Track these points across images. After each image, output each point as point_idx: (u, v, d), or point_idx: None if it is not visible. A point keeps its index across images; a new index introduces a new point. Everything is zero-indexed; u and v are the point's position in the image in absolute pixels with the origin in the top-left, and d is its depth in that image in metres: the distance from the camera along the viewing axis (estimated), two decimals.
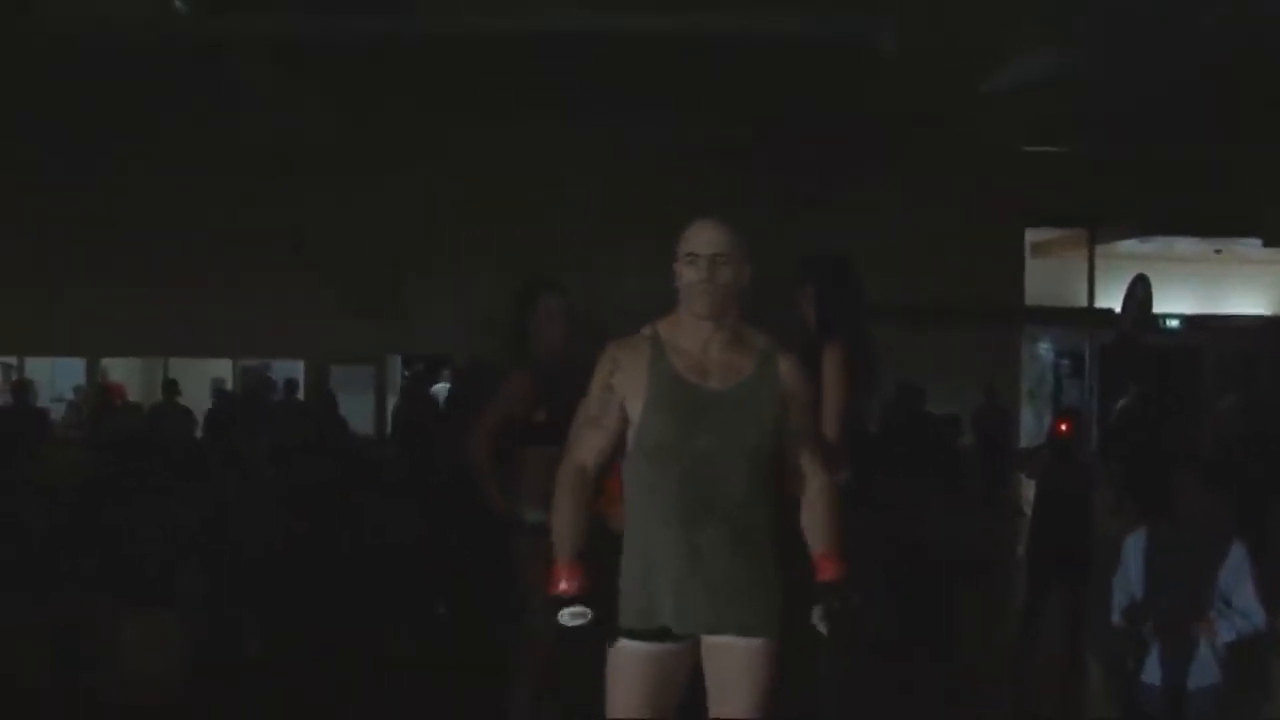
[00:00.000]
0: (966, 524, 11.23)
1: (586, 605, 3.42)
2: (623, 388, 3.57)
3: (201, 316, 16.13)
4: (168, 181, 15.60)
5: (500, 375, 5.48)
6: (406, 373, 17.74)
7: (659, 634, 3.48)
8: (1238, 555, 4.60)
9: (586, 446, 3.58)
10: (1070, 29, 10.45)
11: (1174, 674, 4.58)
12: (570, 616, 3.40)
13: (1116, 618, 4.79)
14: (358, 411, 15.61)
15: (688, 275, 3.56)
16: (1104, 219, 16.83)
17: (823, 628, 3.53)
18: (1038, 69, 11.25)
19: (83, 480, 9.62)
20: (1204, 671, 4.57)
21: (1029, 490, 8.89)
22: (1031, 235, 17.75)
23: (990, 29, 10.17)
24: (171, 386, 13.88)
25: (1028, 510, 8.66)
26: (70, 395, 17.43)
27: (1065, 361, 18.77)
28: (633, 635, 3.49)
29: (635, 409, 3.55)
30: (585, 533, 3.52)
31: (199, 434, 12.71)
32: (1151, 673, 4.66)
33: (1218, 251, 17.81)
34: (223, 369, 17.26)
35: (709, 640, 3.52)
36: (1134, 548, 4.82)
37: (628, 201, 14.67)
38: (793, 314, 5.21)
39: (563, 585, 3.44)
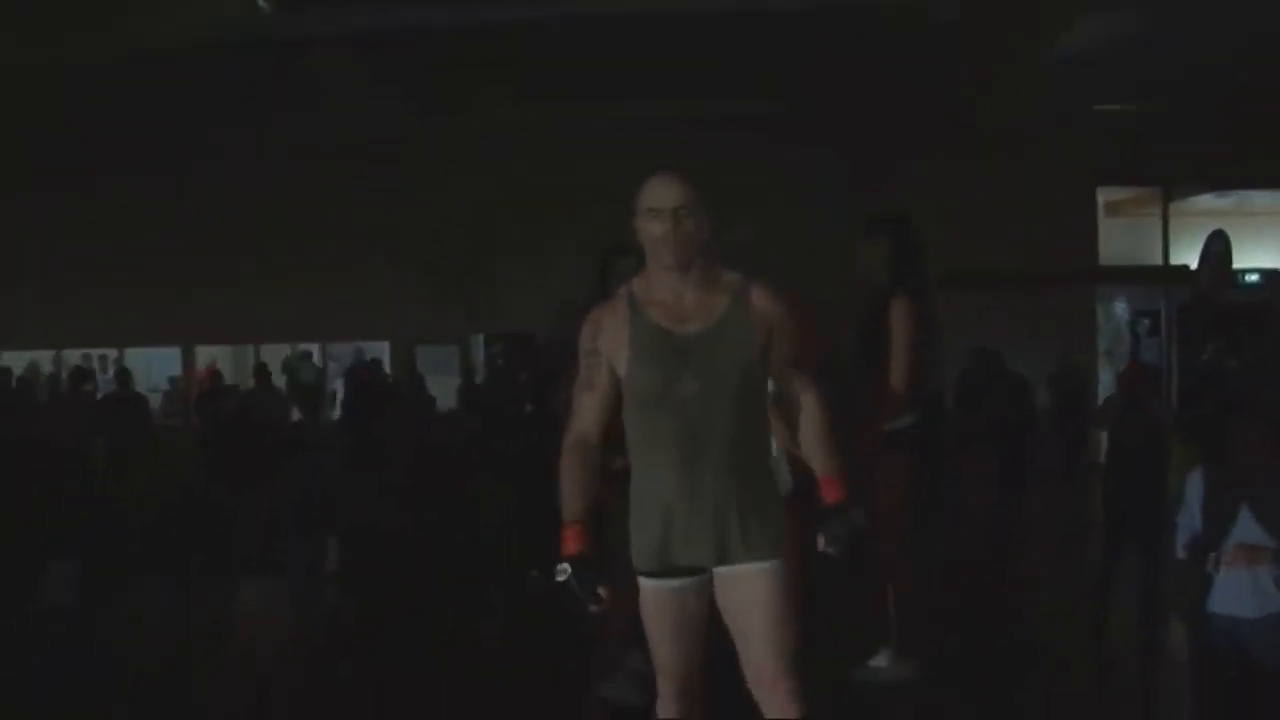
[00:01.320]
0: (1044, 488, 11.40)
1: (591, 564, 3.54)
2: (607, 348, 3.69)
3: (288, 303, 16.68)
4: (257, 177, 16.07)
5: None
6: (489, 351, 18.08)
7: (672, 571, 3.64)
8: None
9: (584, 413, 3.72)
10: None
11: (1238, 605, 4.79)
12: (558, 573, 3.55)
13: (1180, 552, 5.01)
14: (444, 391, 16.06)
15: (652, 229, 3.65)
16: (1178, 176, 16.75)
17: (831, 551, 3.66)
18: (1103, 28, 11.31)
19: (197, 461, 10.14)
20: (1267, 602, 4.77)
21: None
22: (1105, 195, 17.71)
23: None
24: (263, 370, 14.34)
25: None
26: (165, 386, 18.03)
27: (1146, 321, 18.69)
28: (649, 575, 3.66)
29: (622, 364, 3.67)
30: (591, 497, 3.65)
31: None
32: (1216, 603, 4.86)
33: None
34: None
35: (719, 572, 3.64)
36: (1194, 485, 5.04)
37: (705, 178, 14.87)
38: None
39: (569, 547, 3.56)
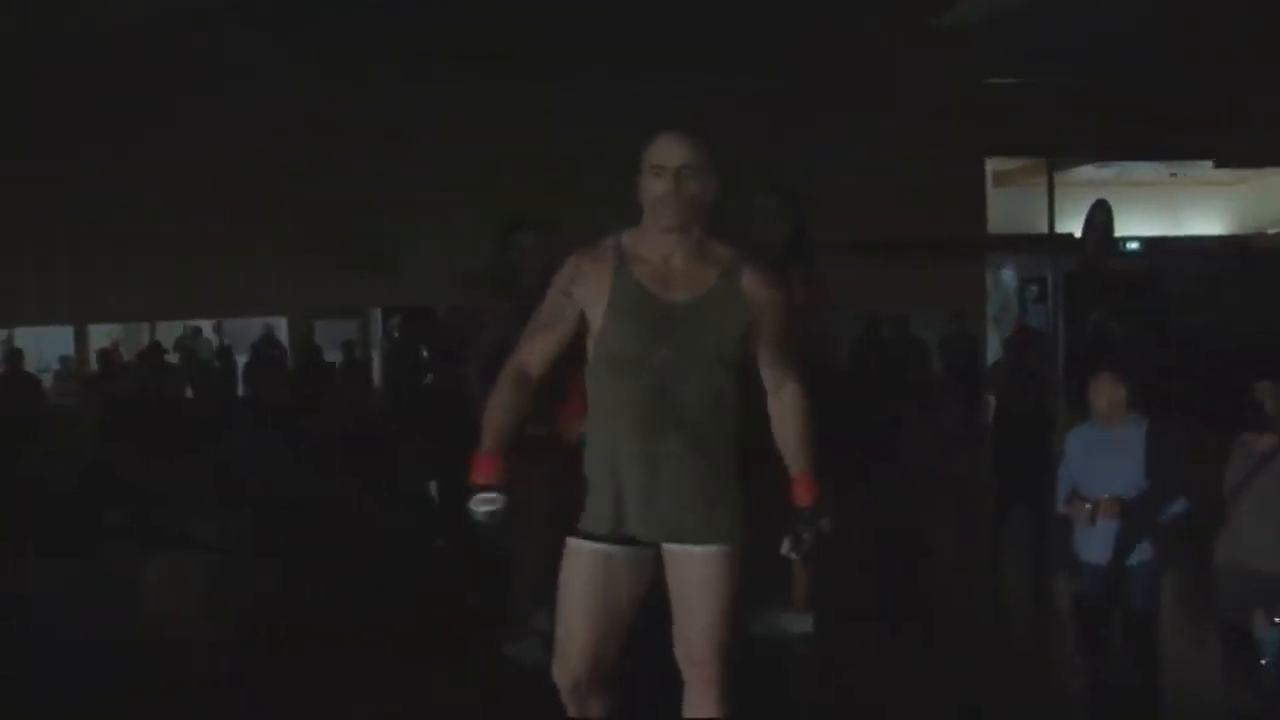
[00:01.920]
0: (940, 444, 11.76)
1: (503, 498, 3.46)
2: (583, 296, 3.56)
3: (186, 279, 16.48)
4: (154, 147, 15.82)
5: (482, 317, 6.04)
6: (387, 324, 18.07)
7: (614, 539, 3.53)
8: (1165, 443, 5.09)
9: (532, 350, 3.61)
10: None
11: (1116, 553, 5.08)
12: (481, 502, 3.46)
13: (1061, 505, 5.29)
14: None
15: (653, 187, 3.52)
16: (1061, 147, 17.24)
17: (793, 555, 3.57)
18: (990, 4, 11.63)
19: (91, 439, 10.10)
20: (1142, 549, 5.06)
21: None
22: (993, 165, 18.16)
23: None
24: (157, 348, 14.23)
25: None
26: (56, 366, 17.73)
27: (1034, 288, 19.21)
28: (588, 536, 3.54)
29: (596, 318, 3.55)
30: (513, 431, 3.56)
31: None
32: (1096, 552, 5.15)
33: (1173, 175, 18.30)
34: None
35: (669, 549, 3.55)
36: (1073, 442, 5.33)
37: (599, 152, 15.03)
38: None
39: (480, 477, 3.49)
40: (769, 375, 3.63)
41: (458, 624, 6.72)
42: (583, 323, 3.58)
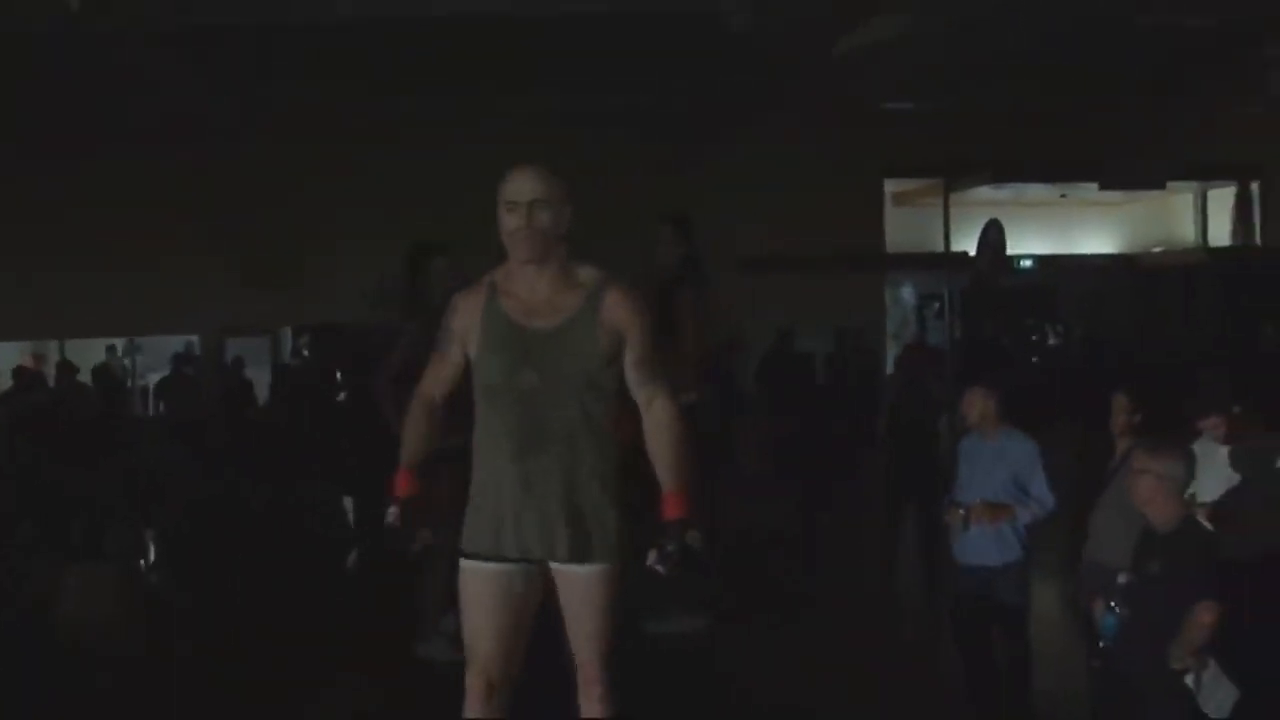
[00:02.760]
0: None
1: (408, 508, 3.73)
2: (461, 330, 3.76)
3: (96, 296, 16.47)
4: (64, 164, 15.86)
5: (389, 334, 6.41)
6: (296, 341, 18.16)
7: (499, 557, 3.68)
8: (1031, 453, 5.50)
9: (431, 378, 3.85)
10: None
11: (984, 555, 5.47)
12: (388, 515, 3.74)
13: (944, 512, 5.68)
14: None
15: (508, 222, 3.66)
16: (957, 169, 17.83)
17: (660, 569, 3.62)
18: (885, 31, 12.09)
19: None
20: (1007, 551, 5.46)
21: None
22: (891, 185, 18.73)
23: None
24: (67, 366, 14.29)
25: None
26: None
27: (936, 304, 19.75)
28: (476, 557, 3.70)
29: (472, 351, 3.74)
30: (426, 450, 3.79)
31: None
32: (968, 554, 5.54)
33: (1063, 195, 18.97)
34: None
35: (553, 567, 3.69)
36: (958, 451, 5.74)
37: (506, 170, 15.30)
38: None
39: (400, 489, 3.75)
40: (638, 394, 3.72)
41: (369, 628, 6.96)
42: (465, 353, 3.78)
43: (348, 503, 9.40)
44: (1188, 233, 20.05)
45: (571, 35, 11.91)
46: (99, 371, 16.37)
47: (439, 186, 15.37)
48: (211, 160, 16.01)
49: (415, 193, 15.62)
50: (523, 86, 14.08)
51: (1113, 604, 4.25)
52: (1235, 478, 5.13)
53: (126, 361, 17.64)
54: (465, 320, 3.75)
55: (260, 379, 16.31)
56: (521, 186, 3.66)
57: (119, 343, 17.82)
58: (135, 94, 13.53)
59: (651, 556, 3.61)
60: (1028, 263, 18.69)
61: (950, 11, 11.84)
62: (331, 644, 6.79)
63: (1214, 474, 5.10)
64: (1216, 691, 4.01)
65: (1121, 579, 4.29)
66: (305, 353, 17.74)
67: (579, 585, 3.68)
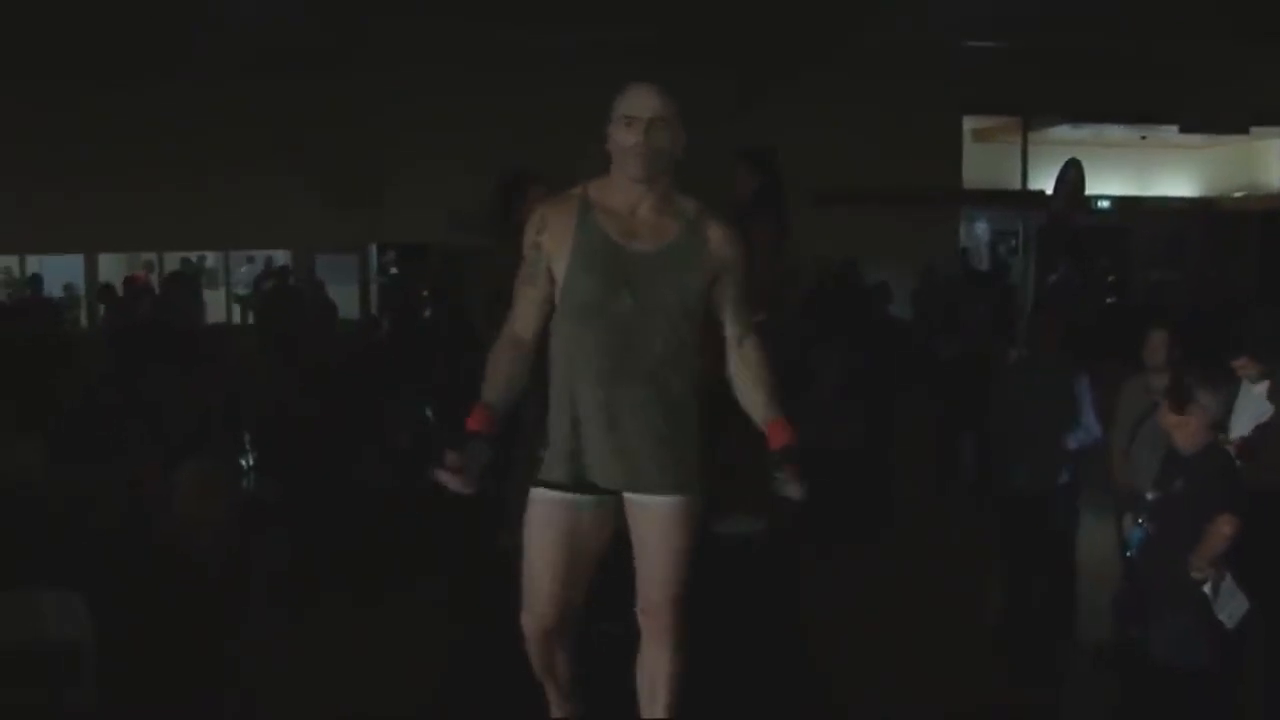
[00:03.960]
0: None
1: (479, 444, 3.47)
2: (549, 246, 3.58)
3: (191, 212, 17.10)
4: (158, 88, 16.39)
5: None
6: (382, 260, 18.70)
7: (577, 486, 3.56)
8: (1080, 385, 5.85)
9: (521, 311, 3.63)
10: None
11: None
12: (471, 449, 3.47)
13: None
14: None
15: (624, 138, 3.53)
16: (1036, 107, 17.90)
17: (791, 491, 3.48)
18: None
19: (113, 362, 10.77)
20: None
21: None
22: (970, 123, 18.84)
23: None
24: (177, 276, 14.97)
25: None
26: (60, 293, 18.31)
27: (1012, 241, 19.89)
28: (552, 487, 3.58)
29: (560, 269, 3.56)
30: (510, 395, 3.56)
31: None
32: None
33: (1143, 137, 18.96)
34: None
35: (629, 497, 3.58)
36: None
37: (588, 100, 15.66)
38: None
39: (472, 424, 3.50)
40: (730, 330, 3.67)
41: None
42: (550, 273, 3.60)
43: (429, 412, 9.86)
44: (1272, 179, 19.96)
45: None
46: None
47: (521, 117, 15.81)
48: (304, 84, 16.48)
49: (495, 120, 16.03)
50: (599, 20, 14.38)
51: (1140, 520, 4.61)
52: (1266, 413, 5.43)
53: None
54: (554, 236, 3.58)
55: (349, 295, 16.90)
56: (642, 102, 3.55)
57: (211, 255, 18.46)
58: (231, 23, 13.96)
59: (779, 481, 3.51)
60: (1105, 203, 18.74)
61: None
62: (418, 544, 7.28)
63: (1248, 412, 5.41)
64: (1230, 602, 4.37)
65: (1149, 496, 4.64)
66: (392, 270, 18.32)
67: (659, 518, 3.56)
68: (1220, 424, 4.73)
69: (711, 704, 4.11)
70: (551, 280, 3.59)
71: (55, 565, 5.25)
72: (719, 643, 4.53)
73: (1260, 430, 5.32)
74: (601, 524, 3.61)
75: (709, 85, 15.97)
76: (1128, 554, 4.66)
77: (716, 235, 3.61)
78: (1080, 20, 14.91)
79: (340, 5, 13.83)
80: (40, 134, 16.72)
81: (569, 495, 3.57)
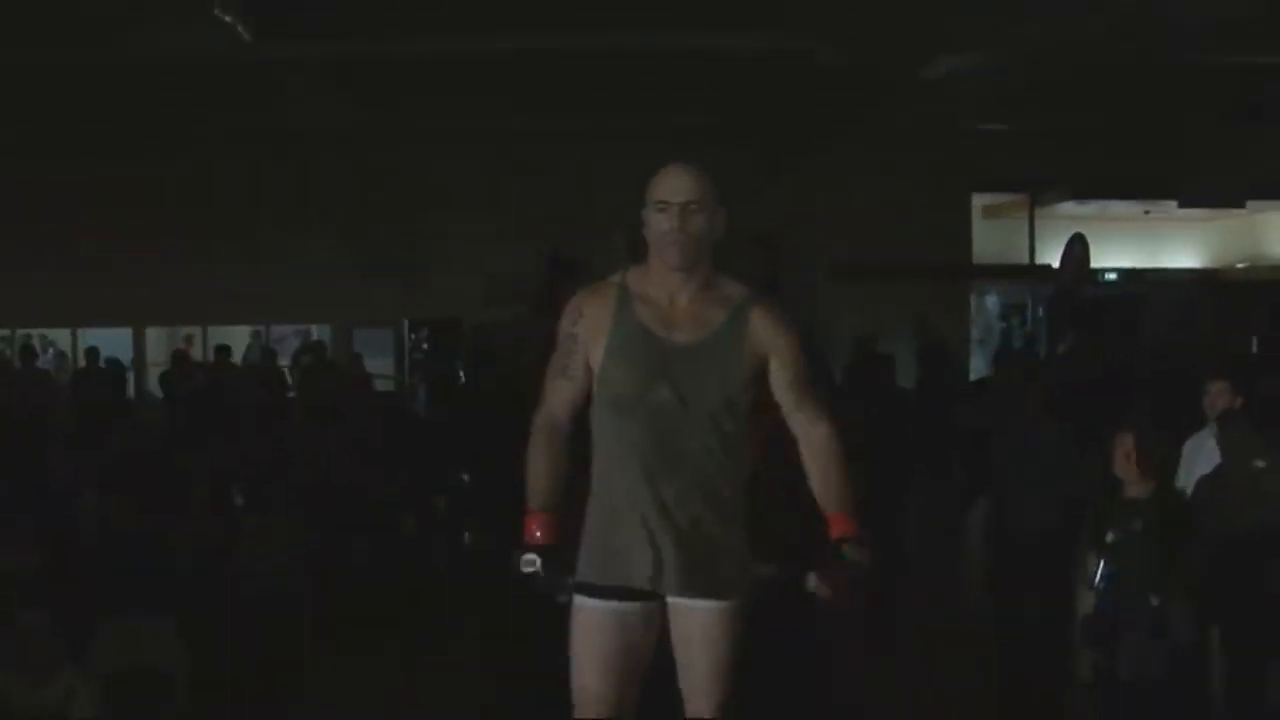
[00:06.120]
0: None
1: (553, 556, 3.33)
2: (585, 335, 3.43)
3: (234, 287, 17.88)
4: (203, 166, 17.30)
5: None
6: (413, 336, 19.48)
7: (622, 592, 3.37)
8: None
9: (556, 398, 3.48)
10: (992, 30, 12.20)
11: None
12: (525, 564, 3.32)
13: None
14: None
15: (658, 224, 3.39)
16: (1041, 185, 18.67)
17: (821, 591, 3.36)
18: (967, 63, 13.02)
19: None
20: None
21: None
22: (980, 200, 19.60)
23: (918, 35, 11.95)
24: (224, 351, 15.81)
25: None
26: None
27: (1021, 314, 20.55)
28: (595, 593, 3.38)
29: (597, 358, 3.42)
30: (558, 484, 3.42)
31: None
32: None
33: (1146, 212, 19.65)
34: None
35: (675, 601, 3.39)
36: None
37: (618, 176, 16.46)
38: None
39: (536, 534, 3.34)
40: (796, 415, 3.49)
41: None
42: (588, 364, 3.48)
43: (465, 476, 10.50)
44: (1275, 249, 20.58)
45: (673, 64, 13.06)
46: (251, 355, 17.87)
47: (551, 196, 16.63)
48: (345, 163, 17.36)
49: (527, 201, 16.87)
50: (630, 107, 15.25)
51: (1102, 559, 5.25)
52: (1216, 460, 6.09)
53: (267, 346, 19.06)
54: (591, 325, 3.45)
55: (385, 367, 17.68)
56: (676, 185, 3.41)
57: (261, 329, 19.28)
58: (281, 106, 14.84)
59: (811, 580, 3.39)
60: (1112, 275, 19.40)
61: (1030, 42, 12.67)
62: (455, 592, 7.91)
63: (1200, 462, 6.10)
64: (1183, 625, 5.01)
65: (1109, 537, 5.28)
66: (425, 346, 19.11)
67: (705, 622, 3.38)
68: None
69: None
70: (588, 371, 3.46)
71: (149, 600, 5.97)
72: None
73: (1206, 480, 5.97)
74: (648, 627, 3.43)
75: (730, 163, 16.82)
76: (1094, 586, 5.28)
77: (759, 317, 3.46)
78: (1083, 101, 15.64)
79: (378, 85, 14.65)
80: (89, 213, 17.62)
81: (612, 604, 3.39)
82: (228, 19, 10.64)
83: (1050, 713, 6.36)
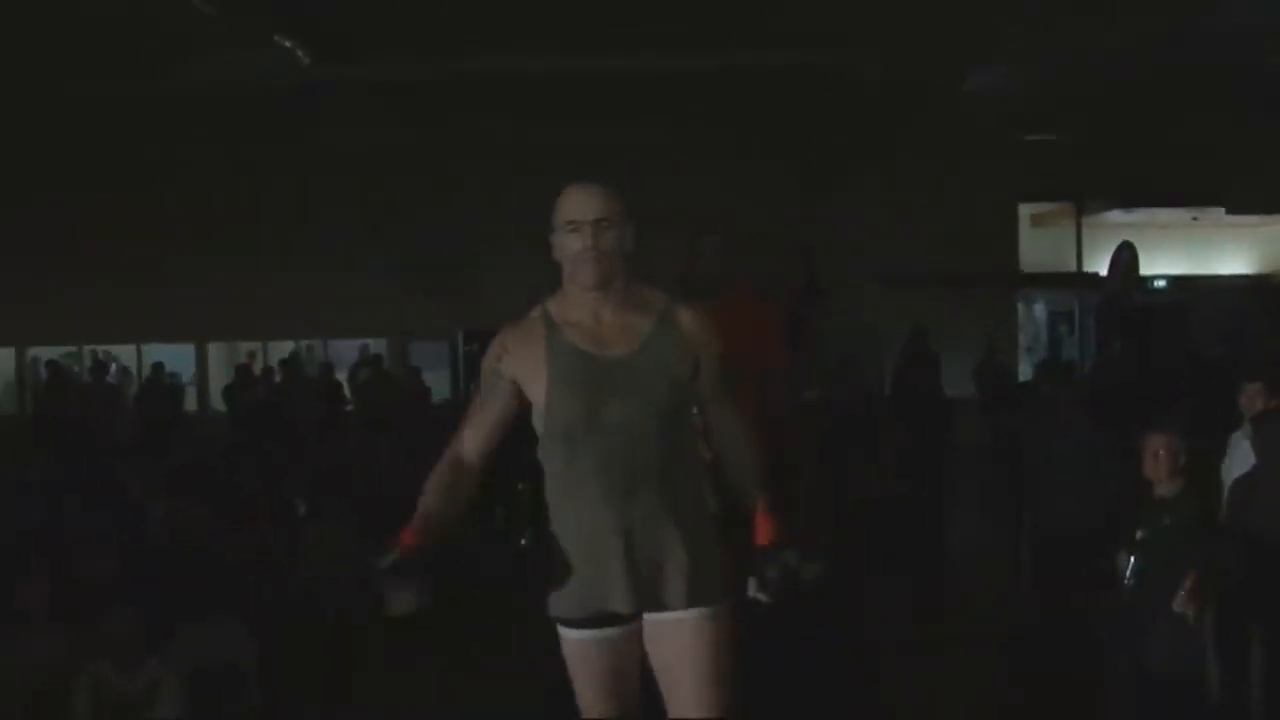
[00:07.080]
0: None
1: (411, 569, 3.25)
2: (515, 371, 3.37)
3: (293, 302, 18.35)
4: (262, 187, 17.79)
5: None
6: (468, 348, 19.74)
7: (603, 619, 3.35)
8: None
9: (468, 433, 3.43)
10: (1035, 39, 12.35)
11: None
12: (384, 569, 3.25)
13: None
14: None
15: (570, 244, 3.36)
16: (1088, 193, 18.79)
17: (762, 597, 3.35)
18: (1011, 74, 13.19)
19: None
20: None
21: None
22: (1027, 210, 19.73)
23: (963, 48, 12.15)
24: (289, 363, 16.28)
25: None
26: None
27: (1068, 322, 20.66)
28: (578, 625, 3.37)
29: (538, 391, 3.35)
30: (444, 514, 3.36)
31: None
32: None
33: (1195, 219, 19.69)
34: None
35: (653, 618, 3.36)
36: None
37: (670, 189, 16.81)
38: None
39: (392, 545, 3.27)
40: (707, 415, 3.49)
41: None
42: (523, 399, 3.41)
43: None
44: None
45: (723, 81, 13.33)
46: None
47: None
48: (399, 180, 17.74)
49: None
50: (680, 122, 15.52)
51: (1133, 556, 5.44)
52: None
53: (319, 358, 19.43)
54: (521, 361, 3.38)
55: (441, 379, 18.02)
56: (585, 204, 3.39)
57: (314, 344, 19.69)
58: (333, 125, 15.22)
59: (751, 585, 3.37)
60: (1161, 282, 19.46)
61: (1074, 49, 12.78)
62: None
63: (1240, 463, 6.25)
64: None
65: (1139, 534, 5.47)
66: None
67: (689, 633, 3.33)
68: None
69: None
70: (511, 404, 3.41)
71: (220, 603, 6.29)
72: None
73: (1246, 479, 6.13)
74: (635, 645, 3.41)
75: (780, 176, 17.08)
76: (1125, 582, 5.47)
77: (688, 321, 3.45)
78: (1129, 108, 15.72)
79: (430, 103, 14.98)
80: (153, 234, 18.07)
81: (596, 633, 3.38)
82: (287, 44, 11.02)
83: (1085, 708, 6.52)
